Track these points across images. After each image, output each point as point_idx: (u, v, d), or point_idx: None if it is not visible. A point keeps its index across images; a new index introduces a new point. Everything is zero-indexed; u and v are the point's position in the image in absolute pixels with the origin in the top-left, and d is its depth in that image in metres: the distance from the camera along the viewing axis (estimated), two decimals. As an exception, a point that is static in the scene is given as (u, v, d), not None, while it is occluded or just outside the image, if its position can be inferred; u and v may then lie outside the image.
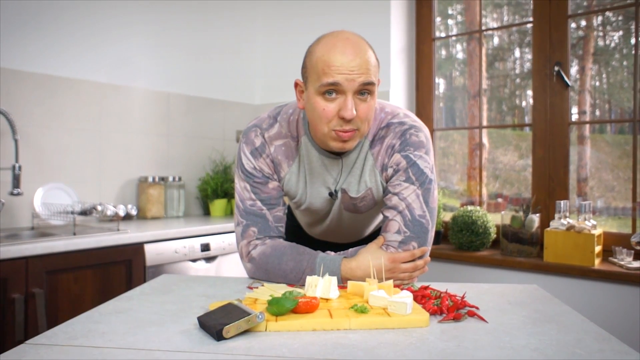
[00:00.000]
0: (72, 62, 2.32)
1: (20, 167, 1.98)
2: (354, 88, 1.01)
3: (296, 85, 1.12)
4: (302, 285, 1.07)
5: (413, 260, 1.10)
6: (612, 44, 2.50)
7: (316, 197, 1.20)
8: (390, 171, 1.14)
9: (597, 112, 2.53)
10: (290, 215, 1.47)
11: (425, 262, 1.13)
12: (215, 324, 0.77)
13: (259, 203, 1.17)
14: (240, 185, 1.19)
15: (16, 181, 1.97)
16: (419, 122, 1.17)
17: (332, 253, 1.15)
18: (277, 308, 0.83)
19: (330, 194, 1.19)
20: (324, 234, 1.37)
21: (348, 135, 1.04)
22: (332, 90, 1.02)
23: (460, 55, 2.96)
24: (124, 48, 2.53)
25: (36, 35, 2.19)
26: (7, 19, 2.10)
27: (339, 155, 1.15)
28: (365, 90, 1.03)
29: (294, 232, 1.43)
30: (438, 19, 2.83)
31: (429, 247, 1.14)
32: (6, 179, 2.06)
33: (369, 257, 1.08)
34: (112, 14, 2.46)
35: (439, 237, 2.53)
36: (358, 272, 1.08)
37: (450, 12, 2.94)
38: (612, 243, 2.16)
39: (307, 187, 1.19)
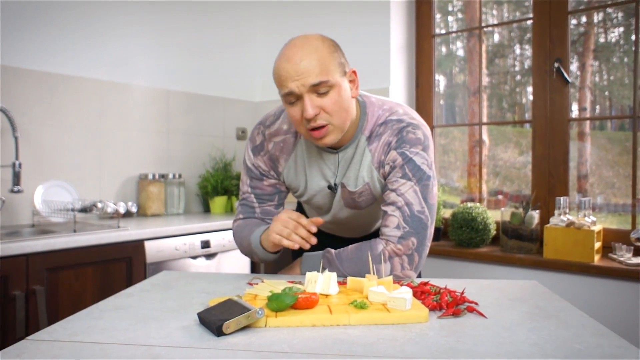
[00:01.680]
0: (72, 59, 2.32)
1: (20, 165, 1.98)
2: (306, 90, 1.04)
3: None
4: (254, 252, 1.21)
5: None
6: (613, 41, 2.50)
7: (316, 189, 1.23)
8: (387, 168, 1.15)
9: (598, 109, 2.52)
10: (300, 210, 1.53)
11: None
12: (215, 320, 0.77)
13: (252, 197, 1.28)
14: (243, 178, 1.30)
15: (16, 179, 1.97)
16: (417, 120, 1.16)
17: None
18: (277, 304, 0.83)
19: (330, 187, 1.21)
20: (330, 228, 1.40)
21: (319, 132, 1.08)
22: (290, 98, 1.07)
23: (460, 52, 2.96)
24: (124, 46, 2.52)
25: (36, 33, 2.19)
26: (7, 16, 2.09)
27: (335, 149, 1.17)
28: (320, 88, 1.05)
29: None
30: (438, 16, 2.82)
31: (429, 244, 1.14)
32: (6, 176, 2.06)
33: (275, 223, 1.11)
34: (112, 12, 2.46)
35: (439, 234, 2.53)
36: (269, 238, 1.12)
37: (450, 8, 2.93)
38: (611, 239, 2.16)
39: (307, 179, 1.23)
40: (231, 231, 2.32)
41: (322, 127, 1.07)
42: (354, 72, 1.13)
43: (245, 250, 1.25)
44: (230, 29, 3.05)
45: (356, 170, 1.17)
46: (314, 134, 1.08)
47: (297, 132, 1.21)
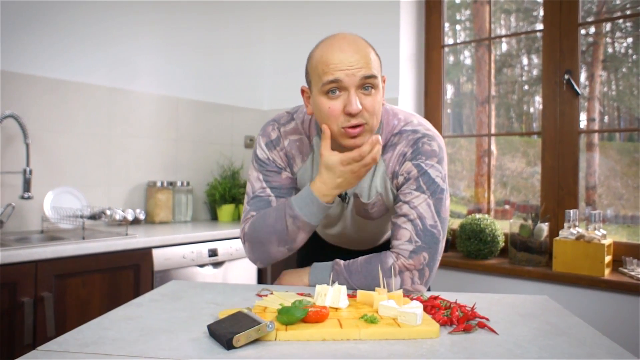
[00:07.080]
0: (81, 66, 2.34)
1: (31, 171, 2.00)
2: (355, 83, 1.01)
3: (302, 92, 1.13)
4: (292, 236, 1.11)
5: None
6: (622, 51, 2.49)
7: None
8: (401, 179, 1.14)
9: (606, 119, 2.51)
10: None
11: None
12: (225, 333, 0.77)
13: (268, 190, 1.19)
14: (253, 176, 1.21)
15: (27, 185, 1.98)
16: (432, 131, 1.16)
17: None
18: (287, 317, 0.83)
19: (342, 197, 1.19)
20: (337, 239, 1.36)
21: (356, 131, 1.04)
22: (334, 88, 1.02)
23: (468, 62, 2.96)
24: (133, 53, 2.55)
25: (47, 40, 2.22)
26: (18, 22, 2.12)
27: None
28: (367, 84, 1.03)
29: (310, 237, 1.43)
30: (446, 25, 2.82)
31: (440, 258, 1.13)
32: (17, 182, 2.08)
33: (323, 170, 1.05)
34: (121, 19, 2.49)
35: (447, 245, 2.52)
36: (324, 184, 1.05)
37: (458, 17, 2.94)
38: (622, 253, 2.14)
39: None
40: (239, 240, 2.33)
41: (359, 125, 1.04)
42: (384, 79, 1.12)
43: (275, 228, 1.11)
44: (239, 37, 3.07)
45: (369, 180, 1.16)
46: (351, 132, 1.03)
47: (310, 135, 1.18)
